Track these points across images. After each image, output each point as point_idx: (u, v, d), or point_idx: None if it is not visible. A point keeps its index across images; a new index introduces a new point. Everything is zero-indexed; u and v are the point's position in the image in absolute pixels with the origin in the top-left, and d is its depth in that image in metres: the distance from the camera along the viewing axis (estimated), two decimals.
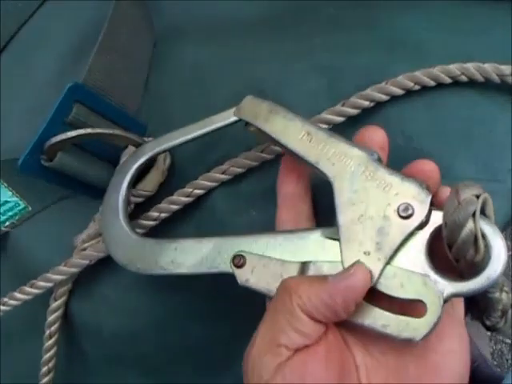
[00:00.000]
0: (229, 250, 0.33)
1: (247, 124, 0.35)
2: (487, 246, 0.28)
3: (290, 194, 0.35)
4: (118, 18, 0.43)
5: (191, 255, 0.35)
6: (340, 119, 0.38)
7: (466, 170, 0.37)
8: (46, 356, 0.44)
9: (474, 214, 0.28)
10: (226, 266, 0.33)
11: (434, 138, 0.37)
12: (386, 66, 0.38)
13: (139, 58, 0.45)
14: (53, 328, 0.43)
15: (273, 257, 0.32)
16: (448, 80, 0.37)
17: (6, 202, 0.45)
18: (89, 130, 0.37)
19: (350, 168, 0.31)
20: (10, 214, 0.45)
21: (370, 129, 0.33)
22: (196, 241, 0.35)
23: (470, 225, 0.28)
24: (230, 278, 0.34)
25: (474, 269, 0.28)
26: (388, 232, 0.29)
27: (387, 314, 0.29)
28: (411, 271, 0.29)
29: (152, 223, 0.41)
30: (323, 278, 0.29)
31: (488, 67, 0.36)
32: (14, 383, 0.49)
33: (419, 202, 0.29)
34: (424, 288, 0.28)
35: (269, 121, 0.34)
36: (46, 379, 0.44)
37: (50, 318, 0.43)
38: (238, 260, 0.33)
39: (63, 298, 0.43)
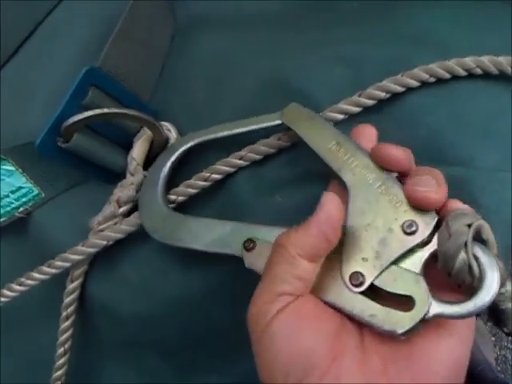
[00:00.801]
0: (243, 234, 0.36)
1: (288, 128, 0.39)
2: (481, 272, 0.29)
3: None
4: (138, 6, 0.43)
5: (207, 233, 0.38)
6: (356, 109, 0.39)
7: (487, 161, 0.38)
8: (63, 337, 0.45)
9: (466, 244, 0.29)
10: (237, 249, 0.36)
11: (453, 130, 0.38)
12: (409, 59, 0.39)
13: (156, 47, 0.46)
14: (69, 310, 0.44)
15: None
16: (463, 72, 0.38)
17: (20, 187, 0.45)
18: (105, 110, 0.38)
19: (368, 180, 0.33)
20: (24, 200, 0.46)
21: (363, 126, 0.36)
22: (215, 221, 0.38)
23: (462, 255, 0.29)
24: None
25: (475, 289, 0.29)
26: (389, 244, 0.31)
27: (376, 305, 0.30)
28: (406, 269, 0.31)
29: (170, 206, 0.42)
30: (304, 223, 0.31)
31: (502, 60, 0.37)
32: (30, 364, 0.49)
33: (425, 223, 0.31)
34: (415, 285, 0.30)
35: (306, 126, 0.37)
36: (61, 360, 0.45)
37: (67, 300, 0.44)
38: (249, 244, 0.35)
39: (80, 280, 0.44)
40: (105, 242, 0.42)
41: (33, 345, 0.49)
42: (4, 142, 0.46)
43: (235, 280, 0.42)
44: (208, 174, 0.41)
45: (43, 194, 0.46)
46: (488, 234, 0.30)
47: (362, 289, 0.31)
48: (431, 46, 0.40)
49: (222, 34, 0.46)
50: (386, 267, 0.31)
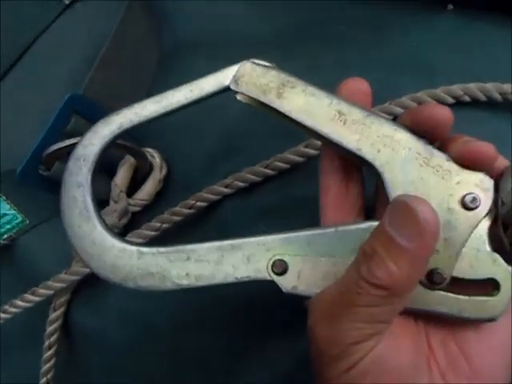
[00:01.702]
0: (260, 256, 0.29)
1: (238, 93, 0.30)
2: None
3: (334, 194, 0.31)
4: (124, 31, 0.43)
5: (211, 265, 0.29)
6: None
7: None
8: (46, 367, 0.44)
9: None
10: (260, 274, 0.29)
11: None
12: (396, 85, 0.39)
13: (142, 72, 0.46)
14: (52, 339, 0.44)
15: (319, 256, 0.28)
16: (451, 100, 0.37)
17: (5, 214, 0.45)
18: None
19: (399, 154, 0.28)
20: (8, 227, 0.46)
21: (354, 79, 0.31)
22: (212, 247, 0.29)
23: None
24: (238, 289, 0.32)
25: None
26: (455, 226, 0.27)
27: (460, 297, 0.28)
28: (477, 250, 0.27)
29: (154, 233, 0.41)
30: (400, 251, 0.25)
31: (490, 86, 0.37)
32: None
33: (484, 191, 0.27)
34: (494, 266, 0.27)
35: (284, 97, 0.29)
36: None
37: (50, 329, 0.44)
38: (279, 266, 0.28)
39: (62, 309, 0.44)
40: (88, 270, 0.42)
41: (18, 372, 0.48)
42: None
43: (221, 306, 0.42)
44: (193, 202, 0.41)
45: (28, 221, 0.46)
46: None
47: (444, 285, 0.27)
48: (419, 71, 0.40)
49: (207, 59, 0.46)
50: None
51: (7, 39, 0.50)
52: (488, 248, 0.28)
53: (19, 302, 0.44)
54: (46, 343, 0.44)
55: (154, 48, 0.48)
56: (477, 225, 0.27)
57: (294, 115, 0.29)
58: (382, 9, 0.43)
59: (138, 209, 0.42)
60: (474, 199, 0.27)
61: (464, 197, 0.27)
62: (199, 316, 0.43)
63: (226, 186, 0.41)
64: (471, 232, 0.27)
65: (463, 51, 0.40)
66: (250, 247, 0.29)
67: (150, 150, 0.43)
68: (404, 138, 0.28)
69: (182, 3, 0.48)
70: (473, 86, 0.37)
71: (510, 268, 0.27)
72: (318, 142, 0.38)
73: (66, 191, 0.30)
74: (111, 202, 0.42)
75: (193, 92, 0.30)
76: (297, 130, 0.39)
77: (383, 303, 0.25)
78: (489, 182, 0.27)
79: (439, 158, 0.28)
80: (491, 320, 0.27)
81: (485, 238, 0.28)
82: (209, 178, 0.42)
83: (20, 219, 0.45)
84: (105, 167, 0.43)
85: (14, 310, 0.44)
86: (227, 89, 0.30)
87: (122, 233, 0.42)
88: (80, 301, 0.44)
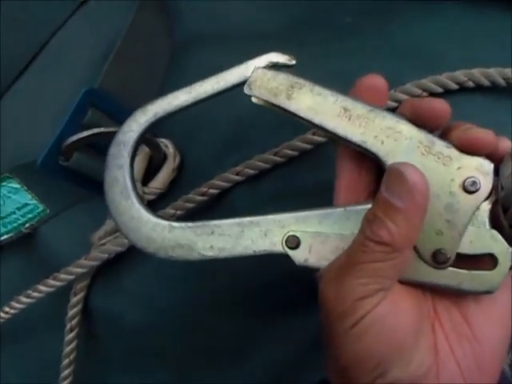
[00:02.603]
0: (276, 231, 0.31)
1: (252, 96, 0.32)
2: None
3: (347, 180, 0.33)
4: (137, 26, 0.45)
5: (232, 238, 0.32)
6: None
7: None
8: (68, 349, 0.46)
9: None
10: (275, 248, 0.31)
11: None
12: (400, 73, 0.39)
13: (155, 64, 0.48)
14: (73, 322, 0.46)
15: (329, 233, 0.31)
16: (455, 86, 0.38)
17: (26, 204, 0.47)
18: (103, 129, 0.39)
19: (402, 144, 0.30)
20: (30, 216, 0.48)
21: (370, 76, 0.32)
22: (233, 223, 0.32)
23: None
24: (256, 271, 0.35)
25: None
26: (457, 209, 0.29)
27: (460, 271, 0.29)
28: (477, 227, 0.29)
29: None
30: (392, 209, 0.28)
31: (493, 71, 0.38)
32: (35, 374, 0.51)
33: (483, 175, 0.29)
34: (493, 241, 0.29)
35: (293, 97, 0.31)
36: (67, 371, 0.46)
37: (71, 313, 0.46)
38: (293, 241, 0.31)
39: (83, 293, 0.46)
40: (106, 256, 0.44)
41: (38, 356, 0.51)
42: (11, 160, 0.48)
43: (236, 290, 0.44)
44: (205, 189, 0.43)
45: (48, 210, 0.48)
46: None
47: (448, 264, 0.29)
48: (423, 59, 0.41)
49: (218, 51, 0.47)
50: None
51: (23, 38, 0.52)
52: (488, 226, 0.29)
53: (41, 287, 0.46)
54: (68, 326, 0.46)
55: (167, 43, 0.49)
56: (478, 207, 0.29)
57: (303, 114, 0.31)
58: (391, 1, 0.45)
59: (152, 197, 0.44)
60: (474, 183, 0.29)
61: (465, 181, 0.29)
62: (212, 299, 0.44)
63: (237, 174, 0.42)
64: (472, 214, 0.29)
65: (466, 39, 0.41)
66: (266, 223, 0.32)
67: (163, 140, 0.44)
68: (406, 128, 0.30)
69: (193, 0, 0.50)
70: (476, 72, 0.38)
71: (507, 245, 0.29)
72: None
73: (109, 172, 0.34)
74: None
75: (219, 83, 0.33)
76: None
77: (386, 258, 0.28)
78: (488, 166, 0.29)
79: (440, 145, 0.29)
80: (488, 292, 0.29)
81: (485, 219, 0.29)
82: (220, 166, 0.43)
83: (41, 209, 0.47)
84: None
85: (36, 294, 0.46)
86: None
87: None
88: (99, 285, 0.46)
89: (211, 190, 0.43)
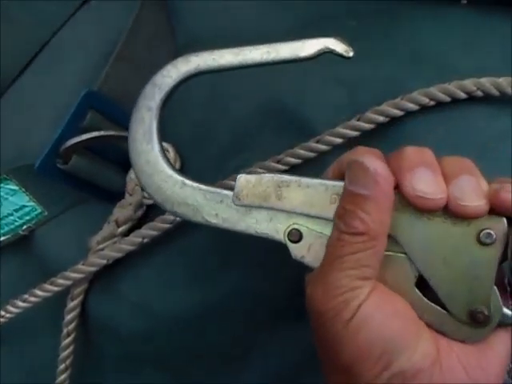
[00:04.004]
0: (281, 220, 0.31)
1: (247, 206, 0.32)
2: None
3: None
4: (139, 28, 0.44)
5: (239, 213, 0.32)
6: (355, 133, 0.39)
7: None
8: (64, 354, 0.45)
9: None
10: (277, 235, 0.31)
11: (451, 153, 0.38)
12: (406, 80, 0.39)
13: (156, 68, 0.47)
14: (70, 327, 0.45)
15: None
16: (463, 96, 0.37)
17: (24, 206, 0.46)
18: (102, 133, 0.39)
19: (404, 214, 0.29)
20: (27, 218, 0.47)
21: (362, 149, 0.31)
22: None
23: None
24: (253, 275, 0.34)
25: None
26: (480, 263, 0.28)
27: (447, 314, 0.29)
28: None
29: (167, 226, 0.42)
30: (363, 199, 0.29)
31: (503, 81, 0.37)
32: (31, 379, 0.50)
33: (495, 224, 0.28)
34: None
35: (284, 197, 0.31)
36: (63, 376, 0.46)
37: (68, 318, 0.45)
38: (295, 235, 0.31)
39: (80, 298, 0.45)
40: (104, 261, 0.43)
41: (35, 360, 0.50)
42: (9, 161, 0.47)
43: (234, 297, 0.43)
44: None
45: (46, 213, 0.47)
46: None
47: (491, 323, 0.28)
48: (429, 66, 0.40)
49: None
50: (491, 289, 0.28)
51: (24, 36, 0.51)
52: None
53: (38, 292, 0.45)
54: (65, 331, 0.45)
55: (169, 44, 0.48)
56: (501, 258, 0.28)
57: (299, 210, 0.31)
58: (393, 3, 0.44)
59: (152, 202, 0.43)
60: (490, 234, 0.28)
61: (479, 235, 0.28)
62: (211, 306, 0.44)
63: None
64: (496, 265, 0.28)
65: (475, 46, 0.40)
66: (274, 209, 0.31)
67: (164, 144, 0.43)
68: (400, 197, 0.29)
69: (195, 1, 0.49)
70: (485, 81, 0.37)
71: (501, 303, 0.28)
72: (329, 138, 0.39)
73: (137, 111, 0.33)
74: (126, 195, 0.43)
75: (269, 54, 0.32)
76: (308, 126, 0.40)
77: (365, 247, 0.28)
78: (498, 218, 0.28)
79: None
80: (465, 342, 0.29)
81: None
82: (221, 172, 0.42)
83: (39, 211, 0.47)
84: (120, 160, 0.44)
85: (33, 299, 0.45)
86: (299, 60, 0.32)
87: (136, 225, 0.44)
88: (97, 290, 0.46)
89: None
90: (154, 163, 0.32)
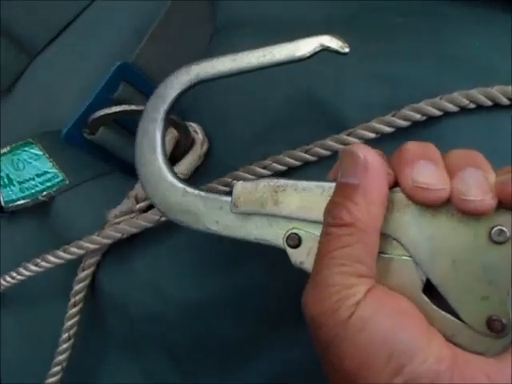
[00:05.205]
0: (281, 225, 0.31)
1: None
2: None
3: None
4: (178, 6, 0.44)
5: (238, 219, 0.32)
6: (389, 129, 0.38)
7: None
8: (69, 323, 0.45)
9: None
10: (276, 241, 0.31)
11: (489, 157, 0.37)
12: (447, 82, 0.38)
13: (193, 46, 0.46)
14: (77, 297, 0.45)
15: None
16: (506, 101, 0.36)
17: (46, 172, 0.46)
18: (133, 107, 0.38)
19: (406, 214, 0.28)
20: (48, 184, 0.47)
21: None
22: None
23: None
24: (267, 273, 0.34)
25: None
26: (494, 266, 0.26)
27: (460, 323, 0.27)
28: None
29: None
30: (350, 190, 0.27)
31: None
32: (34, 342, 0.51)
33: (506, 219, 0.26)
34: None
35: (280, 202, 0.31)
36: (65, 345, 0.46)
37: (77, 287, 0.45)
38: (294, 240, 0.30)
39: (91, 269, 0.45)
40: (119, 235, 0.43)
41: (40, 324, 0.50)
42: (35, 127, 0.47)
43: (247, 292, 0.42)
44: (230, 180, 0.41)
45: (67, 181, 0.47)
46: None
47: (508, 332, 0.26)
48: (474, 71, 0.39)
49: (257, 40, 0.46)
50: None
51: (59, 4, 0.51)
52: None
53: (50, 258, 0.45)
54: (72, 301, 0.45)
55: (207, 27, 0.48)
56: None
57: (296, 215, 0.30)
58: (443, 4, 0.42)
59: None
60: (502, 231, 0.26)
61: (490, 233, 0.26)
62: (222, 297, 0.43)
63: (264, 168, 0.40)
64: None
65: None
66: (272, 215, 0.31)
67: (193, 124, 0.43)
68: (401, 196, 0.28)
69: None
70: None
71: None
72: (362, 132, 0.38)
73: (142, 122, 0.34)
74: None
75: (265, 57, 0.32)
76: (340, 121, 0.39)
77: (353, 241, 0.27)
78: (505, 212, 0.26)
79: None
80: (482, 354, 0.26)
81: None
82: (247, 157, 0.41)
83: (60, 178, 0.47)
84: None
85: (45, 264, 0.45)
86: (296, 60, 0.32)
87: None
88: (109, 264, 0.45)
89: (235, 182, 0.41)
90: (158, 173, 0.33)
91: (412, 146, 0.29)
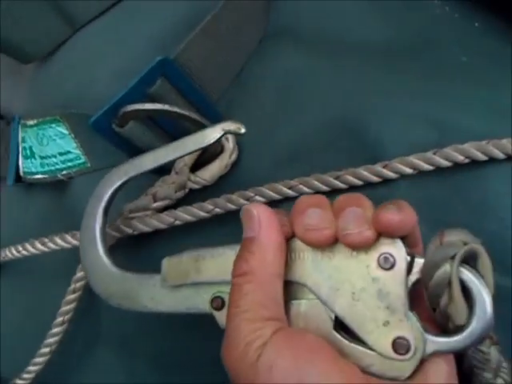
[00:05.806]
0: (205, 291, 0.32)
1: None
2: (471, 300, 0.26)
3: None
4: (230, 7, 0.42)
5: (169, 293, 0.34)
6: (428, 167, 0.36)
7: None
8: (65, 308, 0.44)
9: (453, 258, 0.27)
10: (204, 307, 0.32)
11: None
12: (499, 133, 0.36)
13: (242, 48, 0.45)
14: (78, 284, 0.44)
15: None
16: None
17: (69, 152, 0.45)
18: (166, 107, 0.37)
19: (307, 259, 0.30)
20: (70, 164, 0.46)
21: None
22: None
23: (446, 267, 0.27)
24: None
25: (450, 323, 0.27)
26: (388, 291, 0.28)
27: (372, 353, 0.28)
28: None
29: (204, 214, 0.41)
30: (247, 244, 0.30)
31: None
32: (31, 318, 0.50)
33: (391, 247, 0.28)
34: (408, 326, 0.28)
35: (201, 270, 0.32)
36: (57, 329, 0.45)
37: (78, 275, 0.44)
38: (217, 302, 0.32)
39: None
40: (130, 231, 0.42)
41: (40, 301, 0.50)
42: (65, 103, 0.46)
43: None
44: (252, 194, 0.40)
45: (89, 164, 0.46)
46: (485, 268, 0.27)
47: (415, 353, 0.27)
48: None
49: (304, 54, 0.44)
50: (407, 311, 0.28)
51: None
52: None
53: (58, 240, 0.44)
54: (72, 286, 0.44)
55: (260, 26, 0.46)
56: (406, 282, 0.28)
57: (217, 279, 0.32)
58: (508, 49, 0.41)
59: (196, 187, 0.42)
60: (387, 258, 0.28)
61: (378, 261, 0.28)
62: None
63: (290, 188, 0.39)
64: (405, 289, 0.28)
65: None
66: (197, 283, 0.33)
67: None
68: (299, 243, 0.30)
69: None
70: None
71: (422, 331, 0.27)
72: (398, 165, 0.37)
73: (85, 217, 0.37)
74: (172, 173, 0.42)
75: (179, 149, 0.35)
76: (378, 155, 0.38)
77: (253, 288, 0.29)
78: (392, 239, 0.28)
79: (339, 244, 0.29)
80: (396, 379, 0.27)
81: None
82: (274, 177, 0.40)
83: (82, 160, 0.46)
84: (176, 135, 0.42)
85: (51, 245, 0.44)
86: (205, 147, 0.35)
87: (173, 205, 0.42)
88: (115, 257, 0.44)
89: (258, 197, 0.40)
90: (98, 264, 0.36)
91: (304, 198, 0.31)
